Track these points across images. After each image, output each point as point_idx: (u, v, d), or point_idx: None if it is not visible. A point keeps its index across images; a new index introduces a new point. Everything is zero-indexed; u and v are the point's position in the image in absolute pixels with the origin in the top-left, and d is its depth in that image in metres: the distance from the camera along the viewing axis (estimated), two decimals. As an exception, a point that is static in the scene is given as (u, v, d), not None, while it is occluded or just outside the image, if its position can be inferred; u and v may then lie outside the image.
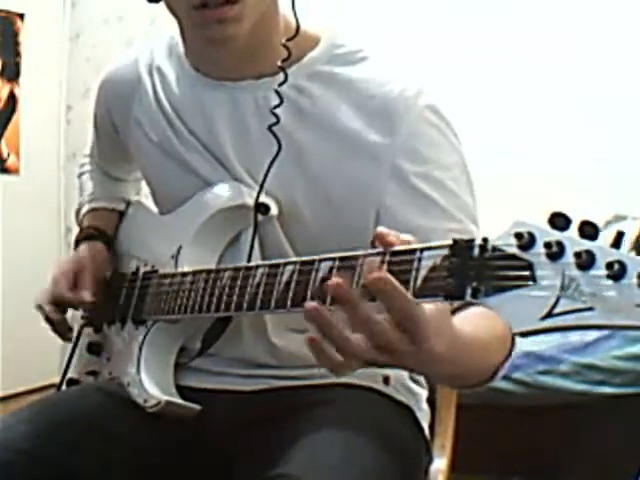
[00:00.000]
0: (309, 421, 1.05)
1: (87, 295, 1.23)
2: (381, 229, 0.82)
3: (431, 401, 1.27)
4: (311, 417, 1.06)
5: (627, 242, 0.66)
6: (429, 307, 0.78)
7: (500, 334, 0.93)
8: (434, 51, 3.19)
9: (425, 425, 1.21)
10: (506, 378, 2.26)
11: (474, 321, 0.88)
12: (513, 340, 0.97)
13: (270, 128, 1.10)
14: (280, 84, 1.10)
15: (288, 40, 1.10)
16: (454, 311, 0.94)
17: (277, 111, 1.10)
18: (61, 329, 1.27)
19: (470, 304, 0.91)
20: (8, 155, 3.37)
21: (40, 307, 1.26)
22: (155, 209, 1.30)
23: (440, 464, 1.28)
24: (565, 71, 3.07)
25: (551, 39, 3.08)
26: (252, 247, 1.12)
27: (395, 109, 1.09)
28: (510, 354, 0.97)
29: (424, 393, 1.25)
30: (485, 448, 2.13)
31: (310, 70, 1.12)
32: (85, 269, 1.26)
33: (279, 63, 1.10)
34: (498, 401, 2.25)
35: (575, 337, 2.27)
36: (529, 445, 2.27)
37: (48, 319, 1.26)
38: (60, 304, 1.25)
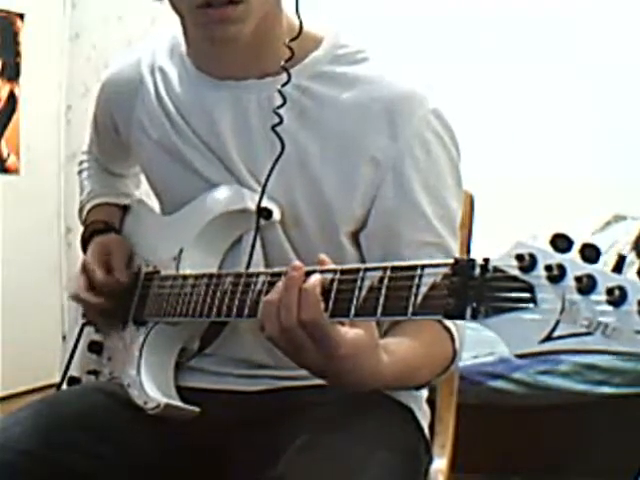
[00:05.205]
0: (308, 421, 1.05)
1: (122, 275, 1.21)
2: (322, 257, 0.90)
3: (431, 401, 1.27)
4: (310, 417, 1.06)
5: (627, 243, 0.66)
6: (356, 331, 0.86)
7: (433, 354, 1.04)
8: (433, 52, 3.19)
9: (425, 425, 1.21)
10: (506, 378, 2.26)
11: (406, 347, 0.98)
12: (455, 354, 1.07)
13: (273, 128, 1.09)
14: (284, 84, 1.10)
15: (291, 40, 1.10)
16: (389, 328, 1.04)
17: (280, 111, 1.09)
18: (102, 314, 1.23)
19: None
20: (8, 155, 3.37)
21: (76, 297, 1.23)
22: (158, 208, 1.30)
23: (440, 464, 1.28)
24: (565, 71, 3.07)
25: (551, 41, 3.08)
26: (252, 252, 1.12)
27: (398, 111, 1.09)
28: (449, 367, 1.07)
29: (424, 393, 1.25)
30: (485, 448, 2.13)
31: (313, 70, 1.12)
32: (112, 252, 1.24)
33: (282, 63, 1.10)
34: (498, 401, 2.25)
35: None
36: (529, 445, 2.27)
37: (87, 307, 1.24)
38: (98, 289, 1.21)
